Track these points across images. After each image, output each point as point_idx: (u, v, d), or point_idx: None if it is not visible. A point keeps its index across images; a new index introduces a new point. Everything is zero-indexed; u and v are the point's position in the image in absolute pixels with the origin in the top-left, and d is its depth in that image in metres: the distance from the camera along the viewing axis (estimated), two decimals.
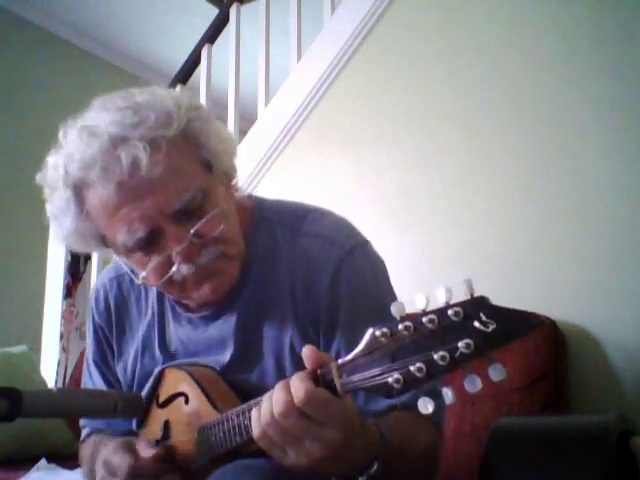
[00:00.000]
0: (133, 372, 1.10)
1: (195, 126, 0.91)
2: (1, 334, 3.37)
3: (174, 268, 0.89)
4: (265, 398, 0.73)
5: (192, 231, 0.88)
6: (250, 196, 1.09)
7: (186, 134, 0.90)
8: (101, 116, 0.88)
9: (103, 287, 1.14)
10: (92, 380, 1.16)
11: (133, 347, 1.10)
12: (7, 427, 1.78)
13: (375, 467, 0.76)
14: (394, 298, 1.01)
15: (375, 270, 1.01)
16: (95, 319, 1.14)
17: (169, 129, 0.87)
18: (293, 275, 0.97)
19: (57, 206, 0.92)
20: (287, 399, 0.69)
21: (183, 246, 0.88)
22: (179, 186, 0.87)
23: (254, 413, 0.74)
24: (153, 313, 1.08)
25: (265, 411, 0.71)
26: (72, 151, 0.88)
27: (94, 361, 1.15)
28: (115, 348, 1.13)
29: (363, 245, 1.01)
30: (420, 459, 0.89)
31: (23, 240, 3.71)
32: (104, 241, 0.95)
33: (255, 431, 0.73)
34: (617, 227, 1.73)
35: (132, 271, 1.01)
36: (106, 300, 1.12)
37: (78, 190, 0.89)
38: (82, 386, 1.19)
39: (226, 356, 1.00)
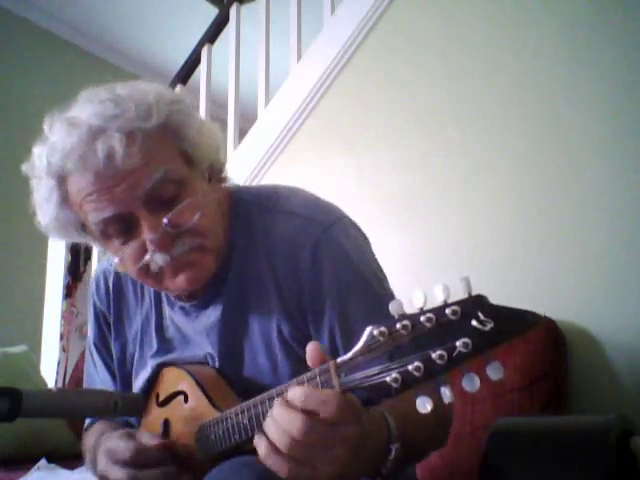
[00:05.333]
0: (132, 357, 1.12)
1: (175, 119, 0.93)
2: (1, 334, 3.37)
3: (147, 256, 0.91)
4: (270, 424, 0.70)
5: (165, 220, 0.89)
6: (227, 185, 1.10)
7: (166, 127, 0.91)
8: (84, 108, 0.90)
9: (103, 272, 1.16)
10: (95, 366, 1.18)
11: (131, 332, 1.12)
12: (7, 427, 1.79)
13: (394, 450, 0.75)
14: (379, 266, 1.01)
15: (356, 242, 1.00)
16: (96, 305, 1.16)
17: (148, 121, 0.89)
18: (273, 256, 0.97)
19: (41, 195, 0.95)
20: (301, 416, 0.67)
21: (157, 235, 0.89)
22: (150, 167, 0.89)
23: (267, 449, 0.69)
24: (150, 299, 1.10)
25: (280, 436, 0.68)
26: (55, 141, 0.90)
27: (95, 345, 1.17)
28: (112, 331, 1.14)
29: (341, 220, 1.00)
30: (431, 424, 0.87)
31: (23, 240, 3.70)
32: (84, 229, 0.97)
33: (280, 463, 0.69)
34: (617, 227, 1.73)
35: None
36: (106, 284, 1.14)
37: (60, 180, 0.92)
38: (85, 373, 1.21)
39: (215, 345, 1.01)
